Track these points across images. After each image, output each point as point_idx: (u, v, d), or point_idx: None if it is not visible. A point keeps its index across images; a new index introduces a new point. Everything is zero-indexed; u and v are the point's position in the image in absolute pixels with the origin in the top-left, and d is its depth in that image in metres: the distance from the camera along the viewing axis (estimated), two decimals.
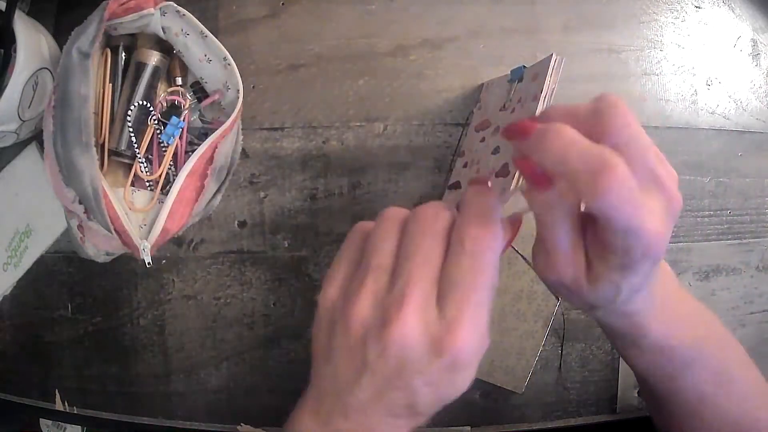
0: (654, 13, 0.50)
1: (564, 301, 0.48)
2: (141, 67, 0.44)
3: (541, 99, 0.36)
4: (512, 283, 0.47)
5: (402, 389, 0.25)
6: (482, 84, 0.49)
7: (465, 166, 0.46)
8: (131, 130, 0.44)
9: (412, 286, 0.24)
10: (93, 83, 0.38)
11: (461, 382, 0.26)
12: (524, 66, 0.42)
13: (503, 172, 0.37)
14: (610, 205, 0.22)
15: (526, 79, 0.41)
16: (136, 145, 0.44)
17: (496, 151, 0.41)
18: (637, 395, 0.49)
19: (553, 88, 0.36)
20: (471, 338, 0.24)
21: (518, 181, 0.30)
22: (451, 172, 0.48)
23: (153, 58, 0.44)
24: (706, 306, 0.33)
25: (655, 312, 0.29)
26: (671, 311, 0.30)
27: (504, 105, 0.43)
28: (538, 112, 0.35)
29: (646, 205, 0.23)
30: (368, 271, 0.26)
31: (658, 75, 0.50)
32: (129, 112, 0.44)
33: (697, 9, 0.51)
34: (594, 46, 0.50)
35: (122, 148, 0.44)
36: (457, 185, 0.47)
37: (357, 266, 0.28)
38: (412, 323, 0.24)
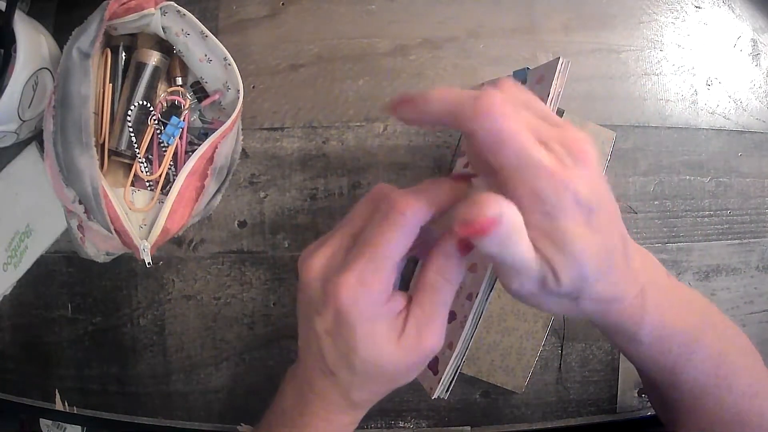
0: (654, 13, 0.50)
1: (552, 312, 0.46)
2: (141, 67, 0.44)
3: (548, 102, 0.36)
4: None
5: (310, 331, 0.28)
6: (482, 84, 0.49)
7: (465, 166, 0.46)
8: (131, 130, 0.44)
9: (353, 257, 0.26)
10: (93, 83, 0.38)
11: (350, 345, 0.26)
12: (527, 68, 0.42)
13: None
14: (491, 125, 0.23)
15: (530, 81, 0.41)
16: (136, 145, 0.44)
17: None
18: (637, 395, 0.49)
19: (560, 92, 0.36)
20: (353, 292, 0.25)
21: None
22: (451, 173, 0.48)
23: (153, 58, 0.44)
24: (701, 294, 0.33)
25: (644, 302, 0.28)
26: (661, 300, 0.29)
27: None
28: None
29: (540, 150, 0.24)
30: (330, 241, 0.28)
31: (658, 75, 0.50)
32: (129, 112, 0.44)
33: (697, 9, 0.51)
34: (594, 46, 0.50)
35: (122, 148, 0.44)
36: None
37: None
38: (316, 262, 0.27)
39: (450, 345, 0.37)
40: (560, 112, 0.46)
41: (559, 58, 0.37)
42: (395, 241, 0.26)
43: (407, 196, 0.26)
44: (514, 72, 0.43)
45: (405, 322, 0.27)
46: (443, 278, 0.27)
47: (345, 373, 0.28)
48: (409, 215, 0.26)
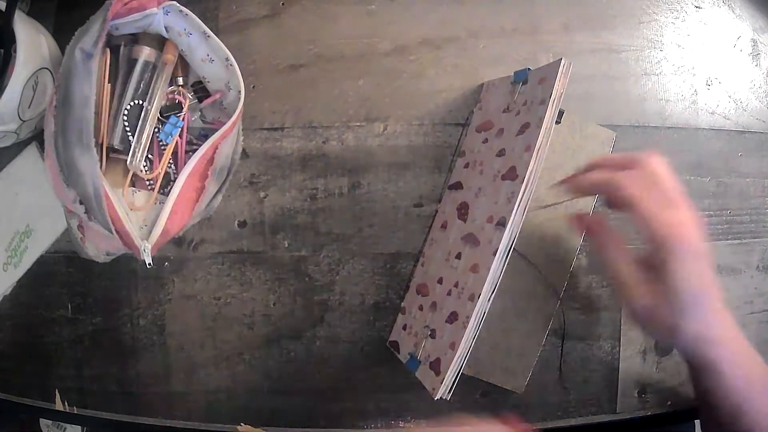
0: (654, 13, 0.50)
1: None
2: (132, 62, 0.44)
3: (550, 103, 0.36)
4: (513, 283, 0.47)
5: None
6: (482, 84, 0.49)
7: (466, 166, 0.46)
8: (126, 126, 0.44)
9: None
10: (95, 84, 0.38)
11: None
12: (529, 68, 0.42)
13: (510, 175, 0.38)
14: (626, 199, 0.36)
15: (531, 81, 0.41)
16: (129, 134, 0.44)
17: (501, 153, 0.41)
18: (637, 395, 0.49)
19: (561, 93, 0.37)
20: None
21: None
22: (451, 173, 0.48)
23: (143, 53, 0.44)
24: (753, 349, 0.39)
25: (725, 349, 0.37)
26: (736, 350, 0.37)
27: (507, 107, 0.43)
28: (546, 116, 0.36)
29: (659, 211, 0.36)
30: None
31: (658, 75, 0.50)
32: (126, 110, 0.44)
33: (697, 9, 0.51)
34: (594, 46, 0.50)
35: (116, 143, 0.44)
36: (458, 185, 0.47)
37: None
38: None
39: (452, 345, 0.37)
40: (560, 113, 0.46)
41: (561, 59, 0.37)
42: None
43: None
44: (515, 72, 0.43)
45: None
46: None
47: None
48: None
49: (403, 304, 0.48)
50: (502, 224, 0.37)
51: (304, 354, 0.49)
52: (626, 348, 0.49)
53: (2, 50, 0.41)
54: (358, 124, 0.49)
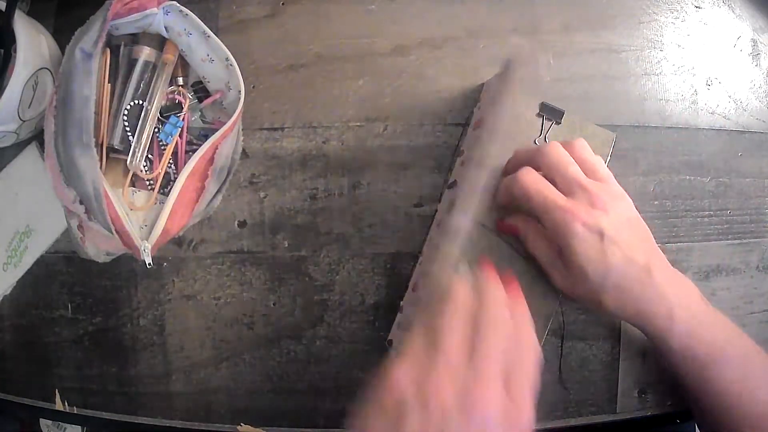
0: (654, 13, 0.50)
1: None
2: (132, 62, 0.44)
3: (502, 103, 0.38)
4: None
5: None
6: (482, 84, 0.49)
7: (462, 164, 0.46)
8: (126, 126, 0.44)
9: (488, 369, 0.29)
10: (95, 84, 0.38)
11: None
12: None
13: (452, 185, 0.40)
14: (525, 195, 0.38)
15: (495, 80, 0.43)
16: (129, 134, 0.44)
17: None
18: (637, 395, 0.49)
19: (511, 92, 0.38)
20: (533, 414, 0.29)
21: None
22: (451, 172, 0.48)
23: (143, 53, 0.44)
24: (732, 322, 0.38)
25: (672, 315, 0.36)
26: (690, 316, 0.36)
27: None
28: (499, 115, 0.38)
29: (552, 197, 0.37)
30: (442, 356, 0.29)
31: (658, 75, 0.50)
32: (126, 110, 0.44)
33: (697, 9, 0.51)
34: (594, 46, 0.50)
35: (116, 143, 0.44)
36: (454, 184, 0.47)
37: (425, 352, 0.30)
38: (492, 396, 0.28)
39: None
40: (560, 113, 0.46)
41: (508, 59, 0.39)
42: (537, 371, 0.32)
43: (530, 335, 0.32)
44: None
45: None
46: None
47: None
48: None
49: (401, 303, 0.48)
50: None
51: (304, 354, 0.49)
52: (626, 348, 0.49)
53: (2, 50, 0.41)
54: (358, 124, 0.49)
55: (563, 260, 0.38)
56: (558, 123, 0.46)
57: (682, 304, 0.36)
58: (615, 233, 0.35)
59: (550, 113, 0.45)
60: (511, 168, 0.41)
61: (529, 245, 0.41)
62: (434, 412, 0.27)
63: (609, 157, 0.46)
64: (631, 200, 0.40)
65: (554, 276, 0.40)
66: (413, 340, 0.31)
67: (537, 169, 0.40)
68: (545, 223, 0.37)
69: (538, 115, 0.46)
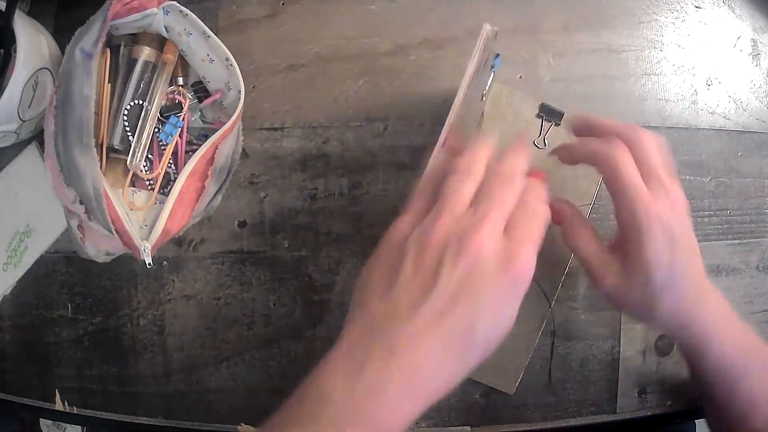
0: (654, 13, 0.50)
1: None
2: (132, 62, 0.44)
3: (468, 66, 0.36)
4: None
5: (466, 303, 0.27)
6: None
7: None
8: (126, 126, 0.44)
9: (489, 215, 0.29)
10: (95, 84, 0.38)
11: (511, 311, 0.29)
12: (498, 54, 0.44)
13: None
14: (614, 178, 0.34)
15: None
16: (129, 134, 0.44)
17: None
18: (637, 395, 0.49)
19: (485, 57, 0.37)
20: (531, 263, 0.28)
21: None
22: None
23: (143, 53, 0.44)
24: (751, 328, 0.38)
25: (715, 326, 0.36)
26: (728, 325, 0.36)
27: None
28: (467, 73, 0.36)
29: (641, 185, 0.34)
30: (446, 205, 0.30)
31: (658, 75, 0.50)
32: (126, 110, 0.44)
33: (697, 9, 0.51)
34: (594, 46, 0.50)
35: (116, 143, 0.44)
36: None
37: (429, 208, 0.31)
38: (488, 238, 0.28)
39: None
40: (560, 114, 0.46)
41: (485, 24, 0.37)
42: (544, 225, 0.32)
43: (538, 192, 0.32)
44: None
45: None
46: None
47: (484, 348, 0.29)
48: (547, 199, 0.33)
49: None
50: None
51: (304, 354, 0.49)
52: (626, 348, 0.49)
53: (2, 50, 0.41)
54: (358, 124, 0.49)
55: (625, 259, 0.36)
56: (557, 124, 0.46)
57: (725, 314, 0.36)
58: (683, 240, 0.34)
59: (550, 114, 0.45)
60: (588, 131, 0.38)
61: (572, 238, 0.38)
62: (430, 251, 0.28)
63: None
64: None
65: (604, 276, 0.36)
66: (420, 196, 0.32)
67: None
68: (622, 211, 0.34)
69: (538, 116, 0.46)
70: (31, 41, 0.41)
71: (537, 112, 0.46)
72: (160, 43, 0.45)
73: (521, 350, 0.47)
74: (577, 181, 0.47)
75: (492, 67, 0.44)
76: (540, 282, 0.47)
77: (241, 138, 0.48)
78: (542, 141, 0.45)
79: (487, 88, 0.45)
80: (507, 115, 0.47)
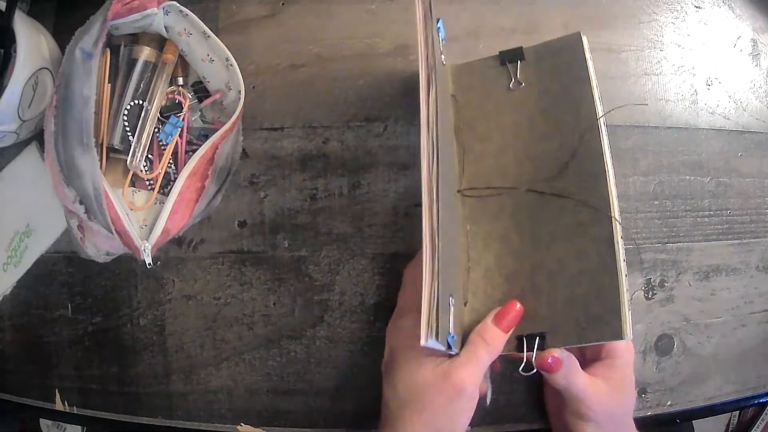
0: (654, 13, 0.50)
1: None
2: (132, 62, 0.44)
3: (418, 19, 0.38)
4: (555, 228, 0.39)
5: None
6: None
7: None
8: (126, 125, 0.44)
9: None
10: (95, 84, 0.38)
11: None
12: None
13: None
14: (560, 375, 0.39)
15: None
16: (130, 134, 0.44)
17: None
18: (637, 395, 0.49)
19: (424, 14, 0.38)
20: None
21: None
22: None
23: (143, 53, 0.44)
24: None
25: None
26: None
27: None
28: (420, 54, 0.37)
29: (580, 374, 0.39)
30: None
31: (658, 75, 0.50)
32: (126, 110, 0.44)
33: (697, 9, 0.51)
34: (594, 46, 0.49)
35: (116, 143, 0.44)
36: None
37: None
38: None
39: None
40: (519, 50, 0.45)
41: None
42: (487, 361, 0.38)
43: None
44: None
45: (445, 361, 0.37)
46: (481, 337, 0.37)
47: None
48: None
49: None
50: None
51: (304, 354, 0.49)
52: None
53: (2, 50, 0.41)
54: (358, 124, 0.49)
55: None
56: (522, 59, 0.44)
57: None
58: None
59: (511, 55, 0.44)
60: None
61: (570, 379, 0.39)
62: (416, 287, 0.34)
63: (589, 60, 0.42)
64: None
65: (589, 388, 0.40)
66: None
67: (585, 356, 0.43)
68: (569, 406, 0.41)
69: (502, 64, 0.45)
70: (31, 41, 0.41)
71: (499, 62, 0.45)
72: (160, 43, 0.45)
73: (606, 285, 0.35)
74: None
75: (441, 37, 0.44)
76: (588, 201, 0.38)
77: (241, 138, 0.48)
78: (517, 84, 0.44)
79: (443, 59, 0.44)
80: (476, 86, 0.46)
